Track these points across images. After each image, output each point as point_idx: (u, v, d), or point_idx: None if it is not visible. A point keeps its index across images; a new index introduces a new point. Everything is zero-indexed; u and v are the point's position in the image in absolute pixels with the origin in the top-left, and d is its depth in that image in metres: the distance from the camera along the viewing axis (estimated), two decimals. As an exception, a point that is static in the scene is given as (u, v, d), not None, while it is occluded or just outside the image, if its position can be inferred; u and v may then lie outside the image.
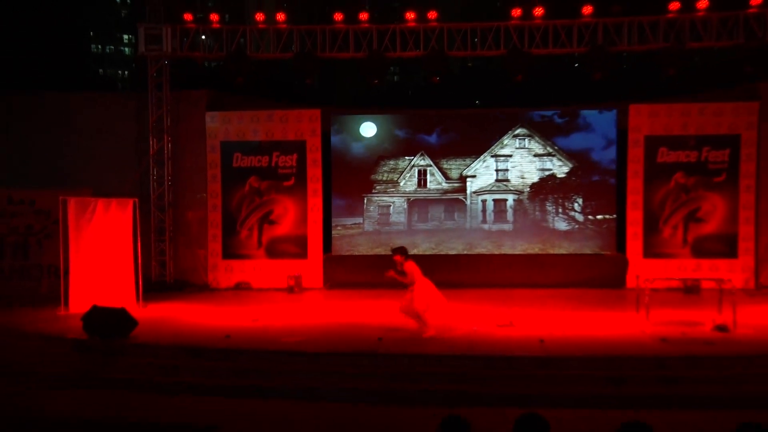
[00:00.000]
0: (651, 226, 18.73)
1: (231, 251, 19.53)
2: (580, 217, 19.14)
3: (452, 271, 19.01)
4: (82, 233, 15.43)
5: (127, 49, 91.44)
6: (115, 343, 12.41)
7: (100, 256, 15.55)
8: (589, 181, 19.11)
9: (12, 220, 18.09)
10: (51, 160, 19.75)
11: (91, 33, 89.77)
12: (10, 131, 20.16)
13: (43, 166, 19.70)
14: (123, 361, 12.08)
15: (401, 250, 13.08)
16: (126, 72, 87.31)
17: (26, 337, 13.41)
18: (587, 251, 19.07)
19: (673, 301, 15.65)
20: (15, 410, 10.46)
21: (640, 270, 17.57)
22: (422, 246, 19.39)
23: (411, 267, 12.88)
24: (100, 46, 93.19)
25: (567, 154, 19.12)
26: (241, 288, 19.25)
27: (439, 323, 12.92)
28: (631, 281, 17.78)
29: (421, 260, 19.04)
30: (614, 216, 19.05)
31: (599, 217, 19.11)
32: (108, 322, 12.65)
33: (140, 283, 15.98)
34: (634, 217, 18.79)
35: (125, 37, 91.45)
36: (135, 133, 19.78)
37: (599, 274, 18.77)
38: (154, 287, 18.15)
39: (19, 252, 18.10)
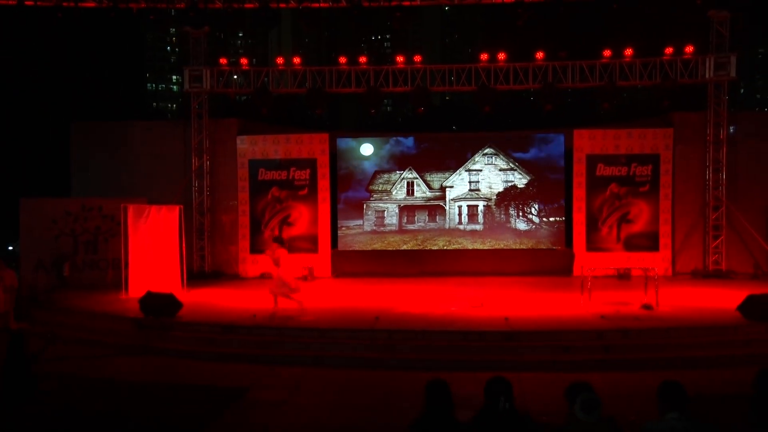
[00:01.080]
0: (592, 226, 18.68)
1: (257, 247, 19.41)
2: (536, 219, 19.10)
3: (435, 263, 19.06)
4: (139, 233, 15.37)
5: (175, 86, 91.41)
6: (165, 321, 12.35)
7: (152, 251, 15.50)
8: (543, 191, 19.06)
9: (85, 223, 18.02)
10: (116, 175, 19.73)
11: (147, 74, 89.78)
12: (85, 152, 20.12)
13: (109, 179, 19.69)
14: (171, 335, 12.04)
15: (280, 240, 13.33)
16: (174, 105, 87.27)
17: (96, 315, 13.39)
18: (542, 246, 19.02)
19: (609, 285, 15.63)
20: (89, 371, 10.49)
21: (584, 261, 17.59)
22: (411, 243, 19.34)
23: (281, 253, 12.93)
24: (154, 85, 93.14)
25: (525, 168, 19.08)
26: (265, 277, 19.06)
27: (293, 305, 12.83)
28: (576, 270, 17.81)
29: (410, 254, 19.22)
30: (563, 218, 19.01)
31: (551, 219, 19.06)
32: (159, 304, 12.61)
33: (184, 272, 15.92)
34: (579, 219, 18.74)
35: (174, 77, 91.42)
36: (181, 154, 19.64)
37: (552, 264, 18.71)
38: (195, 276, 18.06)
39: (90, 248, 18.03)
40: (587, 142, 18.73)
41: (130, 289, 15.04)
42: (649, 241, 18.53)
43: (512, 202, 19.15)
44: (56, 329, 12.08)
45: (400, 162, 19.50)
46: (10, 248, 23.69)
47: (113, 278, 17.11)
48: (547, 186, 19.06)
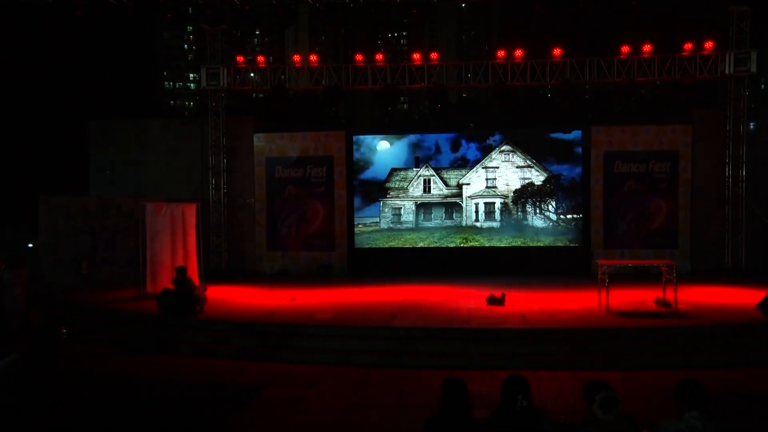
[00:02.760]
0: (610, 223, 18.55)
1: (274, 244, 19.52)
2: (553, 217, 19.01)
3: (452, 261, 19.02)
4: (157, 231, 15.47)
5: (192, 84, 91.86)
6: (181, 319, 12.42)
7: (170, 248, 15.57)
8: (561, 188, 18.97)
9: (103, 220, 18.22)
10: (133, 173, 19.97)
11: (165, 73, 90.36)
12: (102, 151, 20.35)
13: (127, 178, 19.93)
14: (188, 332, 12.10)
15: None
16: (191, 103, 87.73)
17: (114, 313, 13.49)
18: (560, 244, 18.93)
19: (627, 283, 15.53)
20: (106, 369, 10.55)
21: (602, 258, 17.46)
22: (427, 240, 19.32)
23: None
24: (171, 83, 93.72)
25: (542, 166, 18.99)
26: (282, 274, 19.24)
27: None
28: (594, 268, 17.60)
29: (426, 252, 19.20)
30: (581, 215, 18.90)
31: (569, 216, 18.96)
32: (176, 302, 12.67)
33: (202, 269, 16.00)
34: (597, 216, 18.62)
35: (191, 75, 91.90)
36: (198, 151, 19.79)
37: (569, 262, 18.61)
38: (212, 273, 18.17)
39: (109, 245, 18.22)
40: (605, 138, 18.60)
41: (148, 286, 15.16)
42: (667, 238, 18.37)
43: (529, 200, 19.07)
44: (73, 327, 12.20)
45: (416, 159, 19.48)
46: (30, 246, 23.98)
47: (131, 276, 17.27)
48: (564, 183, 18.96)
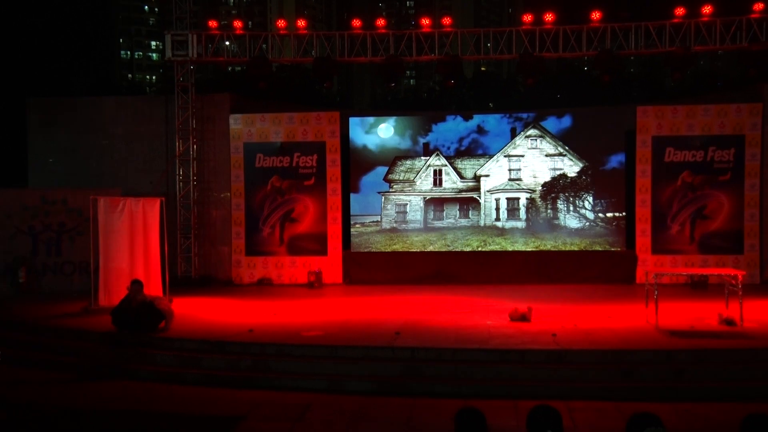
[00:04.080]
0: (659, 224, 18.54)
1: (254, 248, 19.53)
2: (590, 215, 19.00)
3: (467, 268, 19.04)
4: (112, 231, 15.44)
5: (154, 54, 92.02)
6: (142, 337, 12.42)
7: (128, 252, 15.56)
8: (599, 180, 18.95)
9: (46, 218, 18.19)
10: (84, 161, 19.96)
11: (121, 40, 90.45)
12: (45, 135, 20.33)
13: (76, 166, 19.93)
14: (150, 353, 12.10)
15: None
16: (154, 77, 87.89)
17: (59, 330, 13.47)
18: (597, 248, 18.92)
19: (681, 295, 15.51)
20: (50, 399, 10.49)
21: (649, 266, 17.47)
22: (438, 243, 19.33)
23: None
24: (129, 53, 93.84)
25: (577, 154, 18.98)
26: (263, 284, 19.24)
27: None
28: (640, 277, 17.63)
29: (437, 257, 19.21)
30: (624, 214, 18.89)
31: (609, 214, 18.95)
32: (136, 316, 12.66)
33: (167, 278, 15.98)
34: (643, 215, 18.61)
35: (153, 43, 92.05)
36: (163, 135, 19.81)
37: (609, 270, 18.60)
38: (180, 283, 18.17)
39: (53, 249, 18.21)
40: (653, 121, 18.58)
41: (100, 297, 15.13)
42: (730, 242, 18.36)
43: (561, 194, 19.06)
44: (9, 347, 12.19)
45: (425, 146, 19.49)
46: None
47: (80, 285, 17.26)
48: (604, 174, 18.94)
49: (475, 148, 19.27)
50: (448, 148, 19.34)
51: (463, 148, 19.31)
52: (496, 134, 19.26)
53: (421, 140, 19.52)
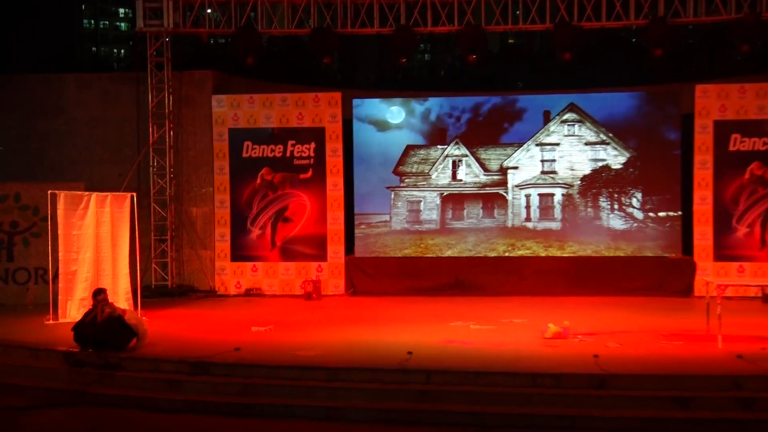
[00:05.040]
0: (723, 225, 18.51)
1: (241, 253, 19.57)
2: (639, 215, 18.97)
3: (492, 276, 19.04)
4: (74, 232, 15.45)
5: (123, 24, 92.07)
6: (110, 356, 12.44)
7: (93, 257, 15.59)
8: (649, 173, 18.92)
9: (-4, 217, 18.20)
10: (40, 150, 20.00)
11: (83, 6, 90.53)
12: (-6, 118, 20.37)
13: (30, 156, 19.95)
14: (119, 376, 12.11)
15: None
16: (122, 51, 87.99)
17: (12, 348, 13.47)
18: (648, 253, 18.89)
19: (750, 311, 15.48)
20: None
21: (711, 275, 17.42)
22: (457, 247, 19.33)
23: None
24: (92, 22, 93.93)
25: (623, 142, 18.95)
26: (252, 294, 19.27)
27: None
28: (699, 288, 17.60)
29: (456, 263, 19.18)
30: (679, 213, 18.87)
31: (662, 214, 18.92)
32: (102, 333, 12.68)
33: (138, 288, 16.03)
34: (703, 215, 18.59)
35: (121, 11, 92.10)
36: (134, 120, 19.84)
37: (662, 279, 18.57)
38: (154, 293, 18.24)
39: (4, 253, 18.20)
40: (715, 102, 18.56)
41: (60, 310, 15.18)
42: (810, 247, 18.33)
43: (604, 190, 19.04)
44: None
45: (442, 133, 19.49)
46: None
47: (37, 296, 17.30)
48: (655, 167, 18.93)
49: (502, 136, 19.25)
50: (469, 134, 19.33)
51: (486, 136, 19.30)
52: (527, 118, 19.26)
53: (438, 126, 19.51)
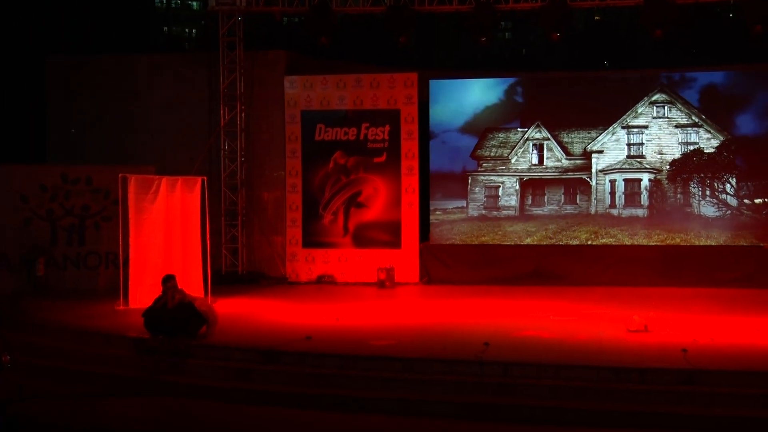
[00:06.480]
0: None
1: (312, 239, 19.72)
2: (733, 201, 18.61)
3: (573, 265, 18.88)
4: (144, 216, 15.71)
5: (195, 3, 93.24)
6: (180, 344, 12.66)
7: (163, 242, 15.85)
8: (745, 158, 18.55)
9: (67, 201, 18.47)
10: (112, 133, 20.36)
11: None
12: (67, 101, 20.80)
13: (102, 140, 20.30)
14: (189, 364, 12.32)
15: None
16: (194, 30, 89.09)
17: (82, 335, 13.79)
18: (742, 242, 18.54)
19: None
20: (72, 417, 10.68)
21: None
22: (537, 235, 19.21)
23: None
24: (164, 1, 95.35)
25: (717, 124, 18.59)
26: (323, 281, 19.41)
27: None
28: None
29: (535, 252, 19.07)
30: (776, 200, 18.48)
31: (758, 201, 18.54)
32: (173, 320, 12.88)
33: (209, 274, 16.21)
34: (801, 201, 18.19)
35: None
36: (205, 101, 20.07)
37: (757, 271, 18.20)
38: (224, 279, 18.47)
39: (75, 237, 18.49)
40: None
41: (130, 296, 15.48)
42: None
43: (695, 175, 18.73)
44: (24, 354, 12.51)
45: (523, 115, 19.35)
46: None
47: (108, 281, 17.69)
48: (751, 150, 18.57)
49: (586, 118, 19.05)
50: (550, 117, 19.17)
51: (569, 118, 19.12)
52: (612, 100, 19.02)
53: (518, 108, 19.38)
